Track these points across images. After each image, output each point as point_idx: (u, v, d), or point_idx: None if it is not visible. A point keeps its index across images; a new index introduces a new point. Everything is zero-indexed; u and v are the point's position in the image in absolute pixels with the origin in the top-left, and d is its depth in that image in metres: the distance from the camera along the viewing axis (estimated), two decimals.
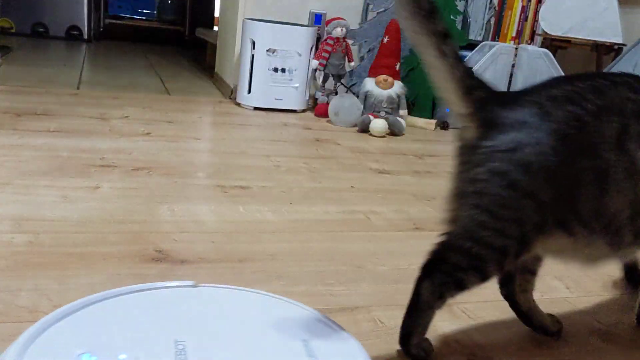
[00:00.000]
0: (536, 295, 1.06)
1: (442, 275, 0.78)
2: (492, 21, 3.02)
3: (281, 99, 2.48)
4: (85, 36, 4.23)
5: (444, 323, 0.92)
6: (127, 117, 2.07)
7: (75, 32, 4.21)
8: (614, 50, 2.92)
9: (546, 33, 2.85)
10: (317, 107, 2.53)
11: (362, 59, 2.71)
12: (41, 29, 4.14)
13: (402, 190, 1.61)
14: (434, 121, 2.55)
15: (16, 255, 0.97)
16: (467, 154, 0.79)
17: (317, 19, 2.65)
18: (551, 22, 2.80)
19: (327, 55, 2.49)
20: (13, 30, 4.08)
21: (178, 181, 1.45)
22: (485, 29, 3.02)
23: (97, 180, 1.38)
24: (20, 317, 0.80)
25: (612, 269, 1.23)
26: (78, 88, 2.50)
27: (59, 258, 0.98)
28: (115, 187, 1.35)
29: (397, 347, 0.83)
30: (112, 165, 1.51)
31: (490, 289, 1.06)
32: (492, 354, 0.85)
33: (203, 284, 0.81)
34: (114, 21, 4.84)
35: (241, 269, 1.02)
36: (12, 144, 1.58)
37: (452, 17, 2.46)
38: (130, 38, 5.00)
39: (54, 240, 1.04)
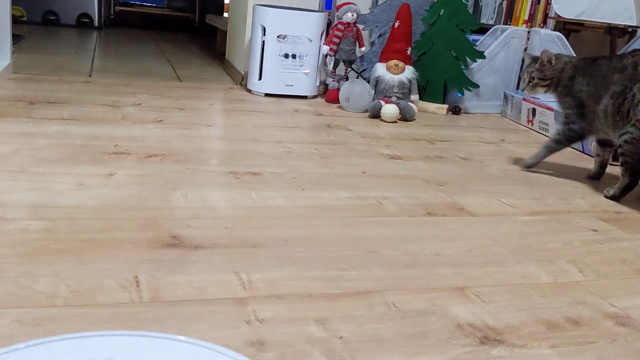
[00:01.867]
0: (549, 279, 1.06)
1: None
2: (504, 4, 2.99)
3: (292, 85, 2.48)
4: (96, 24, 4.24)
5: (456, 306, 0.93)
6: (139, 104, 2.08)
7: (85, 20, 4.22)
8: (627, 33, 2.89)
9: (559, 16, 2.82)
10: (327, 93, 2.53)
11: (373, 44, 2.70)
12: (52, 17, 4.15)
13: (414, 176, 1.61)
14: (445, 106, 2.54)
15: (33, 241, 0.99)
16: None
17: (328, 4, 2.64)
18: (564, 4, 2.77)
19: (337, 40, 2.48)
20: (24, 19, 4.10)
21: (191, 168, 1.46)
22: (497, 13, 2.99)
23: (111, 168, 1.39)
24: (39, 302, 0.81)
25: (629, 253, 1.22)
26: (90, 76, 2.51)
27: (75, 244, 0.99)
28: (129, 174, 1.36)
29: (412, 329, 0.84)
30: (125, 152, 1.52)
31: (504, 273, 1.07)
32: (504, 337, 0.86)
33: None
34: (125, 8, 4.84)
35: (255, 254, 1.03)
36: (26, 132, 1.60)
37: (464, 0, 2.44)
38: (140, 25, 5.01)
39: (70, 227, 1.06)
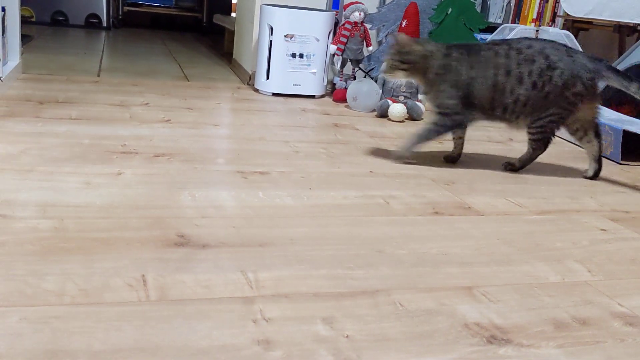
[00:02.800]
0: (557, 278, 1.06)
1: None
2: (513, 3, 2.98)
3: (299, 85, 2.48)
4: (104, 24, 4.26)
5: (464, 306, 0.92)
6: (147, 104, 2.09)
7: (94, 20, 4.24)
8: (637, 31, 2.87)
9: (568, 14, 2.80)
10: (335, 93, 2.53)
11: (380, 43, 2.69)
12: (61, 18, 4.17)
13: (421, 175, 1.60)
14: None
15: (42, 240, 0.99)
16: None
17: (335, 4, 2.64)
18: (573, 3, 2.76)
19: (345, 40, 2.48)
20: (33, 19, 4.12)
21: (198, 167, 1.46)
22: (506, 11, 2.98)
23: (119, 167, 1.40)
24: (48, 300, 0.82)
25: (637, 253, 1.22)
26: (98, 75, 2.53)
27: (83, 243, 1.00)
28: (137, 174, 1.36)
29: (418, 329, 0.84)
30: (133, 152, 1.53)
31: (511, 272, 1.06)
32: (511, 336, 0.85)
33: None
34: (133, 9, 4.86)
35: (261, 253, 1.03)
36: (35, 132, 1.61)
37: None
38: (148, 25, 5.03)
39: (78, 226, 1.06)
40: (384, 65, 1.69)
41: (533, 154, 1.71)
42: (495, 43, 1.65)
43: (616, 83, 1.61)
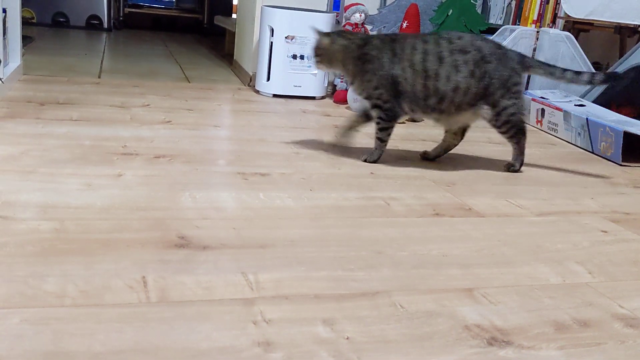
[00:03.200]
0: (558, 280, 1.06)
1: None
2: (513, 4, 2.98)
3: (300, 86, 2.48)
4: (105, 25, 4.26)
5: (464, 307, 0.92)
6: (147, 105, 2.09)
7: (95, 22, 4.25)
8: (638, 33, 2.87)
9: (568, 16, 2.81)
10: (336, 94, 2.53)
11: None
12: (62, 19, 4.18)
13: (422, 176, 1.60)
14: None
15: (43, 241, 0.99)
16: None
17: (336, 5, 2.64)
18: (573, 4, 2.76)
19: None
20: (34, 20, 4.13)
21: (199, 168, 1.46)
22: (506, 13, 2.98)
23: (119, 168, 1.40)
24: (49, 302, 0.82)
25: (638, 254, 1.22)
26: (99, 77, 2.53)
27: (84, 244, 1.00)
28: (138, 175, 1.37)
29: (419, 330, 0.84)
30: (134, 153, 1.53)
31: (512, 274, 1.06)
32: (512, 338, 0.85)
33: None
34: (134, 10, 4.87)
35: (262, 255, 1.03)
36: (36, 133, 1.61)
37: (472, 0, 2.43)
38: (149, 27, 5.03)
39: (79, 227, 1.06)
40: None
41: (519, 146, 1.73)
42: (422, 34, 1.68)
43: (542, 72, 1.71)
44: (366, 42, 1.65)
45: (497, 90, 1.62)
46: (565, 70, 1.70)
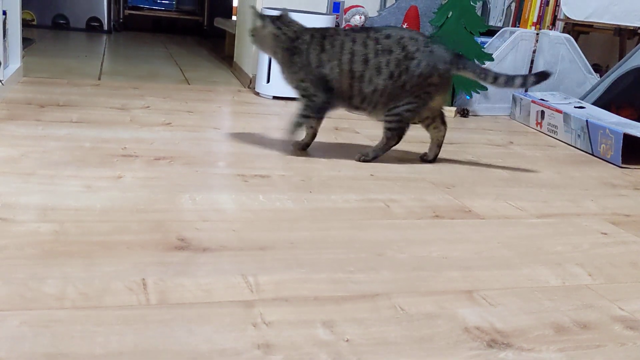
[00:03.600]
0: (557, 282, 1.06)
1: None
2: (513, 6, 2.99)
3: None
4: (105, 27, 4.27)
5: (464, 310, 0.92)
6: (147, 107, 2.09)
7: (95, 24, 4.25)
8: (637, 35, 2.88)
9: (568, 18, 2.81)
10: None
11: None
12: (62, 21, 4.18)
13: (422, 179, 1.60)
14: (453, 109, 2.53)
15: (43, 244, 0.99)
16: None
17: (336, 7, 2.64)
18: (573, 6, 2.76)
19: None
20: (34, 22, 4.13)
21: (199, 170, 1.46)
22: (506, 15, 2.99)
23: (119, 170, 1.40)
24: (48, 304, 0.82)
25: (638, 256, 1.22)
26: (99, 79, 2.53)
27: (84, 246, 1.00)
28: (138, 177, 1.37)
29: (419, 332, 0.84)
30: (133, 155, 1.53)
31: (512, 276, 1.06)
32: (512, 340, 0.85)
33: None
34: (134, 12, 4.87)
35: (262, 257, 1.03)
36: (36, 135, 1.61)
37: (472, 3, 2.44)
38: (149, 29, 5.04)
39: (78, 229, 1.06)
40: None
41: (387, 144, 1.71)
42: (353, 30, 1.67)
43: (472, 75, 1.67)
44: (298, 35, 1.66)
45: (412, 88, 1.62)
46: (498, 75, 1.65)
